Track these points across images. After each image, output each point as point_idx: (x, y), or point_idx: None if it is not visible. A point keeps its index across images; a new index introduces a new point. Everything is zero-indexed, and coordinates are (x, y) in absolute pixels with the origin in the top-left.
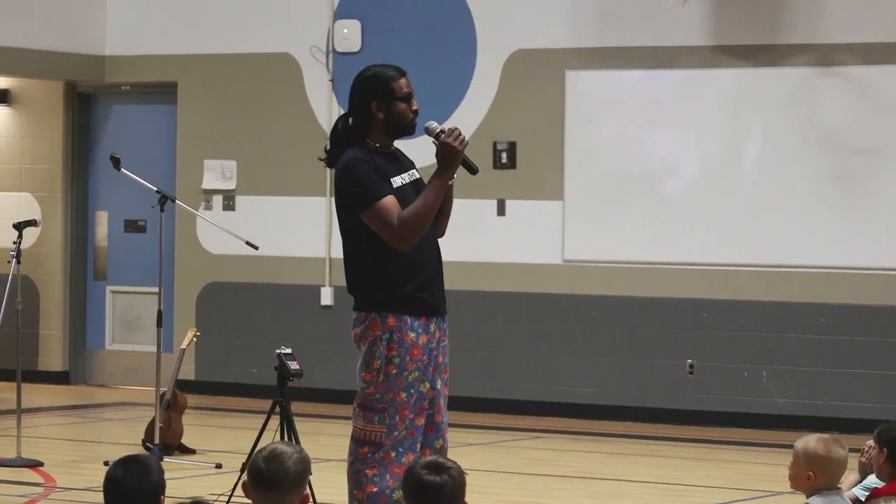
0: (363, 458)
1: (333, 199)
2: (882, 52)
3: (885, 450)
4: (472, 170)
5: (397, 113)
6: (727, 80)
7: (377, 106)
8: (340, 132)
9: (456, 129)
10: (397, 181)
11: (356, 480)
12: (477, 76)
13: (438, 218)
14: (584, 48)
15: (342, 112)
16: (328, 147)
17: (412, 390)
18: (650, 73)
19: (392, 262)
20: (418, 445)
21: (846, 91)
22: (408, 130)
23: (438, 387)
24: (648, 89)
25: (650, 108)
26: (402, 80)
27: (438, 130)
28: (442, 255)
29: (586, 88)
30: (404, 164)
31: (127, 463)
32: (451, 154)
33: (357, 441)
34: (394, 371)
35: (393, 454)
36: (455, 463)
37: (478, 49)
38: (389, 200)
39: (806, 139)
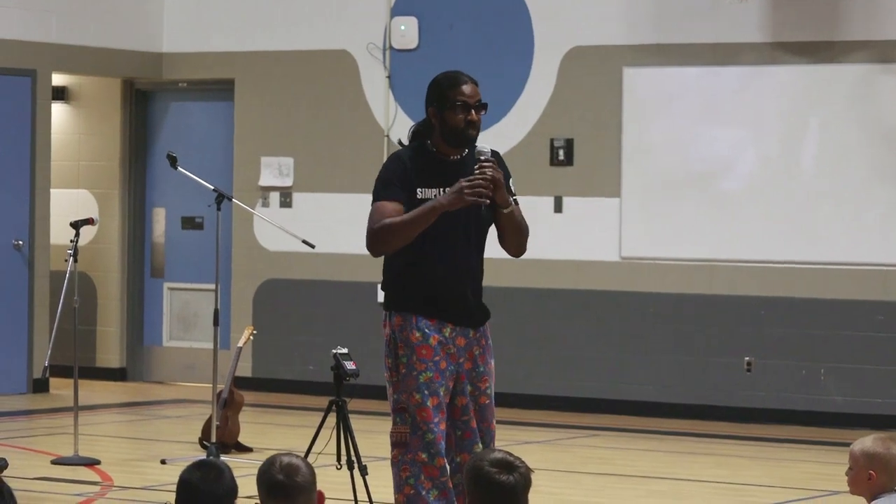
0: (396, 460)
1: None
2: None
3: None
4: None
5: (449, 122)
6: (786, 76)
7: (433, 112)
8: (416, 130)
9: (480, 182)
10: (428, 193)
11: (395, 483)
12: (534, 73)
13: (503, 236)
14: (642, 45)
15: (398, 108)
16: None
17: (426, 391)
18: (708, 69)
19: (409, 266)
20: (443, 446)
21: None
22: (460, 142)
23: (469, 393)
24: (706, 86)
25: (708, 105)
26: (461, 89)
27: (483, 158)
28: (482, 272)
29: (643, 85)
30: (467, 175)
31: (201, 467)
32: (457, 197)
33: (391, 443)
34: (404, 371)
35: (424, 456)
36: (522, 461)
37: (535, 46)
38: (389, 204)
39: (865, 136)
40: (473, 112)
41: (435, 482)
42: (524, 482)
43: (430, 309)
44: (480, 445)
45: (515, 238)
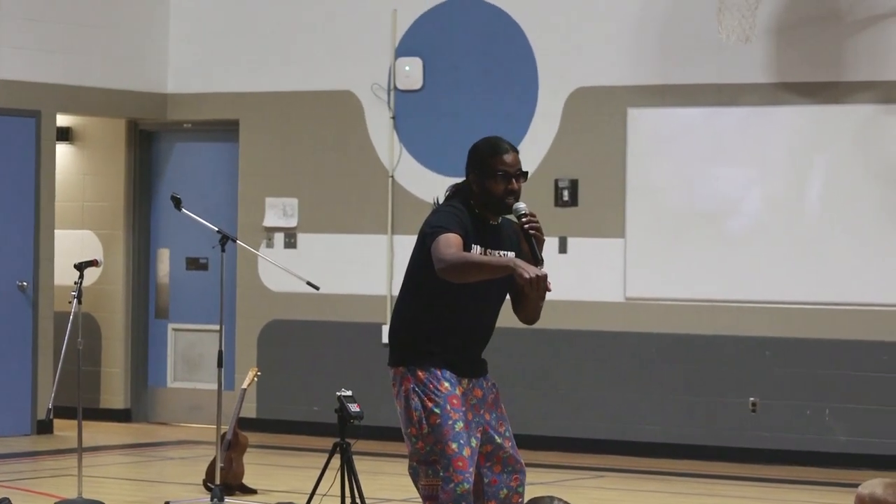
0: None
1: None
2: None
3: None
4: (536, 260)
5: (489, 189)
6: (791, 117)
7: (474, 179)
8: (457, 189)
9: (538, 277)
10: (477, 249)
11: None
12: (538, 113)
13: (522, 303)
14: (646, 85)
15: (403, 149)
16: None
17: (461, 441)
18: (712, 110)
19: (429, 320)
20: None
21: None
22: (499, 210)
23: (494, 441)
24: (711, 127)
25: (713, 146)
26: (502, 157)
27: (523, 212)
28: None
29: (648, 126)
30: (503, 242)
31: None
32: (532, 288)
33: (423, 496)
34: (437, 422)
35: None
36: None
37: (539, 86)
38: (455, 237)
39: (870, 176)
40: (514, 181)
41: None
42: None
43: (451, 364)
44: (506, 491)
45: (535, 304)
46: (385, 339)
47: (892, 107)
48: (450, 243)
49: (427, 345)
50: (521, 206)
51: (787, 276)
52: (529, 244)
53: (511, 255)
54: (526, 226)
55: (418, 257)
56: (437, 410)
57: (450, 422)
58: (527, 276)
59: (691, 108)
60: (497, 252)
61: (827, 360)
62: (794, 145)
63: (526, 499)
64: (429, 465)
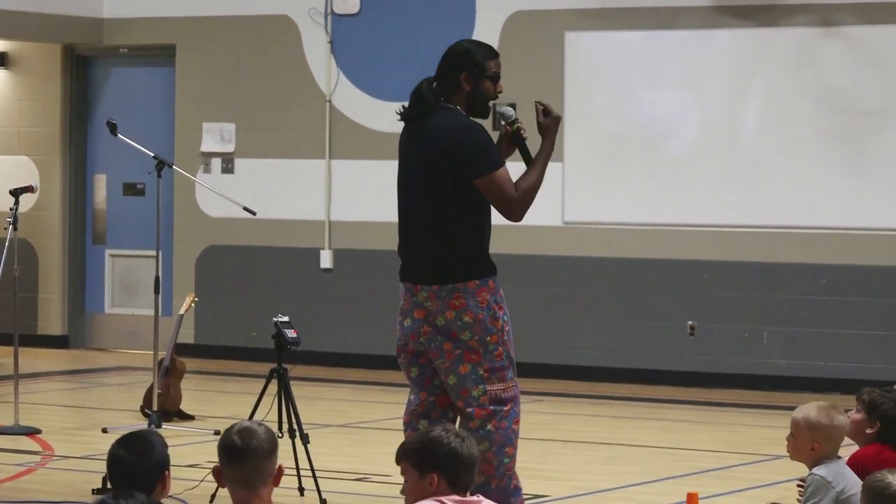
0: (507, 413)
1: (426, 160)
2: (883, 12)
3: (878, 424)
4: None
5: (482, 90)
6: (728, 40)
7: (466, 78)
8: (425, 93)
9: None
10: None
11: (504, 437)
12: (476, 37)
13: None
14: (584, 9)
15: (340, 74)
16: (408, 105)
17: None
18: (650, 33)
19: (479, 232)
20: None
21: (847, 51)
22: (485, 111)
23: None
24: (649, 50)
25: (650, 70)
26: (497, 60)
27: (513, 118)
28: None
29: (586, 49)
30: None
31: (129, 440)
32: (555, 125)
33: (506, 398)
34: (507, 328)
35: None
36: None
37: (476, 10)
38: (506, 171)
39: (807, 100)
40: (500, 84)
41: None
42: None
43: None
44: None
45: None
46: (325, 265)
47: (829, 30)
48: (509, 186)
49: (485, 255)
50: (510, 111)
51: (724, 200)
52: (522, 148)
53: None
54: (523, 132)
55: (457, 176)
56: (506, 318)
57: (507, 328)
58: (555, 115)
59: (629, 32)
60: None
61: (764, 283)
62: (731, 68)
63: None
64: (505, 369)
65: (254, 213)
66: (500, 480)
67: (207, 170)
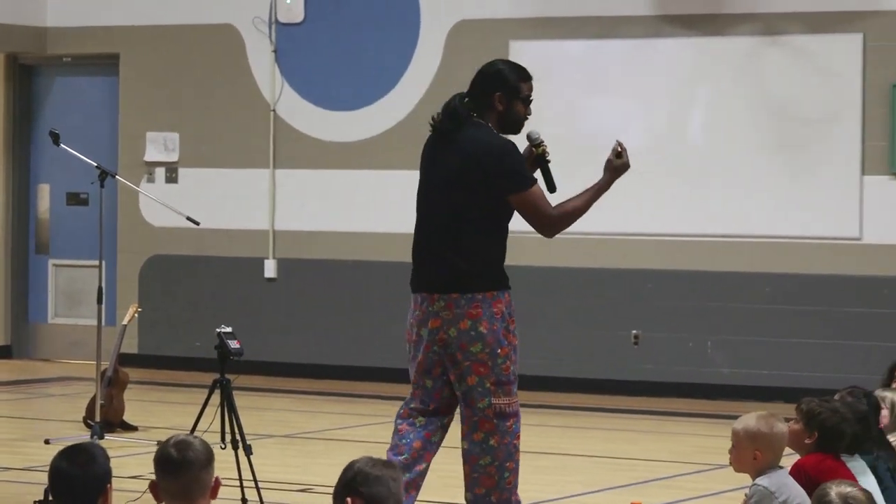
0: (511, 429)
1: (458, 174)
2: (825, 20)
3: (816, 434)
4: (551, 187)
5: (515, 111)
6: (672, 49)
7: (500, 98)
8: (458, 109)
9: (621, 144)
10: None
11: (506, 452)
12: (420, 47)
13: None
14: (528, 18)
15: (284, 83)
16: (442, 118)
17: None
18: (595, 42)
19: (499, 246)
20: None
21: (791, 60)
22: (515, 131)
23: None
24: (593, 59)
25: (595, 78)
26: (530, 84)
27: (539, 140)
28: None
29: (530, 58)
30: None
31: (72, 453)
32: (623, 171)
33: (509, 413)
34: (516, 342)
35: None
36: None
37: (421, 19)
38: (539, 188)
39: (751, 109)
40: (530, 108)
41: None
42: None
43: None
44: None
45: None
46: (269, 274)
47: (772, 38)
48: (546, 202)
49: (503, 269)
50: (537, 133)
51: (668, 209)
52: (545, 171)
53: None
54: (547, 156)
55: (490, 190)
56: (515, 332)
57: (516, 342)
58: (626, 160)
59: (573, 41)
60: None
61: (708, 292)
62: (675, 77)
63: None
64: (511, 383)
65: (197, 223)
66: (500, 493)
67: (151, 179)
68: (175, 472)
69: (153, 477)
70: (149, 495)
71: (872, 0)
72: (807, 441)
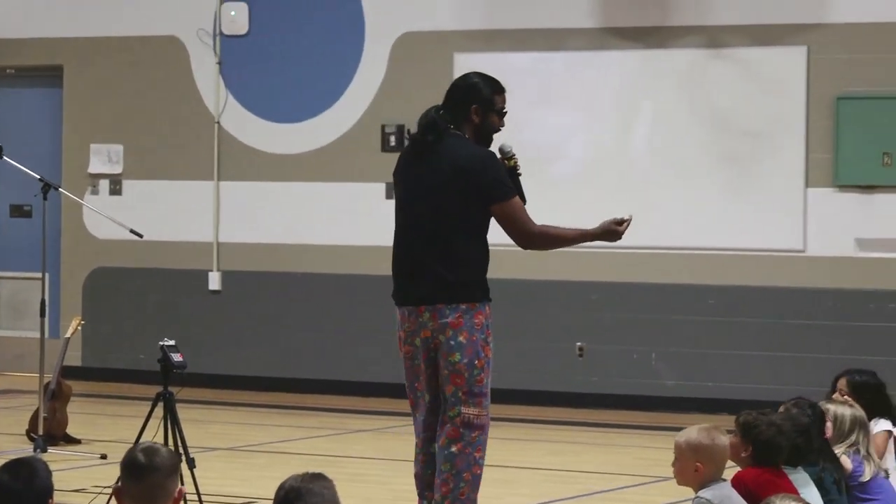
0: (474, 440)
1: (442, 184)
2: (769, 33)
3: (751, 447)
4: (521, 199)
5: (490, 123)
6: (617, 61)
7: (476, 110)
8: (437, 121)
9: (629, 221)
10: None
11: (466, 462)
12: (365, 59)
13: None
14: (473, 30)
15: (229, 95)
16: (421, 130)
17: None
18: (540, 55)
19: (483, 257)
20: None
21: (735, 73)
22: (489, 142)
23: None
24: (538, 72)
25: (540, 91)
26: (504, 96)
27: (511, 154)
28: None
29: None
30: None
31: (13, 467)
32: (614, 238)
33: (477, 425)
34: (491, 355)
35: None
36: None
37: (366, 31)
38: (519, 200)
39: (695, 121)
40: (503, 120)
41: None
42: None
43: None
44: None
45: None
46: (213, 286)
47: (717, 51)
48: (527, 217)
49: (485, 280)
50: (508, 146)
51: None
52: (515, 184)
53: None
54: (518, 169)
55: (473, 200)
56: (492, 345)
57: (491, 355)
58: (620, 230)
59: (518, 53)
60: None
61: (653, 304)
62: (620, 90)
63: None
64: (483, 396)
65: (140, 236)
66: (453, 503)
67: (95, 191)
68: (140, 477)
69: (96, 490)
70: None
71: (816, 13)
72: (743, 454)
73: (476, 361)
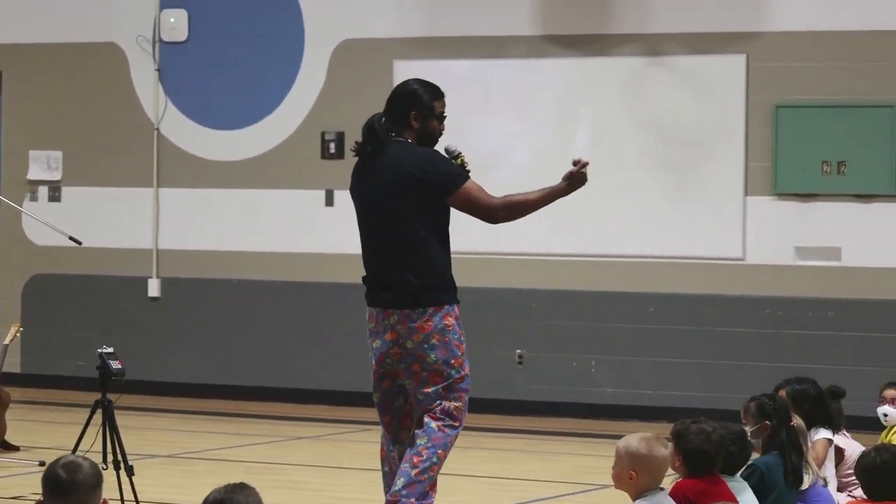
0: (446, 431)
1: (395, 189)
2: (707, 41)
3: (681, 456)
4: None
5: (430, 128)
6: (557, 69)
7: (415, 116)
8: (378, 129)
9: (587, 162)
10: None
11: (443, 442)
12: (304, 66)
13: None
14: (413, 38)
15: (168, 102)
16: (363, 140)
17: None
18: (480, 62)
19: (446, 259)
20: None
21: (674, 81)
22: (431, 146)
23: None
24: (478, 79)
25: (480, 98)
26: (443, 101)
27: (457, 153)
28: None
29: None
30: None
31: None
32: (580, 184)
33: (454, 417)
34: (464, 353)
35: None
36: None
37: (305, 38)
38: (473, 182)
39: (635, 128)
40: (443, 124)
41: None
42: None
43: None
44: None
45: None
46: (152, 293)
47: (657, 59)
48: (485, 193)
49: (452, 280)
50: (453, 145)
51: (552, 228)
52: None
53: None
54: (466, 166)
55: (429, 199)
56: (464, 344)
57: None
58: (584, 172)
59: (458, 61)
60: None
61: (593, 311)
62: (560, 97)
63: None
64: (462, 391)
65: (79, 243)
66: (421, 474)
67: (34, 198)
68: (63, 494)
69: (35, 497)
70: None
71: (755, 21)
72: (677, 464)
73: (452, 360)
